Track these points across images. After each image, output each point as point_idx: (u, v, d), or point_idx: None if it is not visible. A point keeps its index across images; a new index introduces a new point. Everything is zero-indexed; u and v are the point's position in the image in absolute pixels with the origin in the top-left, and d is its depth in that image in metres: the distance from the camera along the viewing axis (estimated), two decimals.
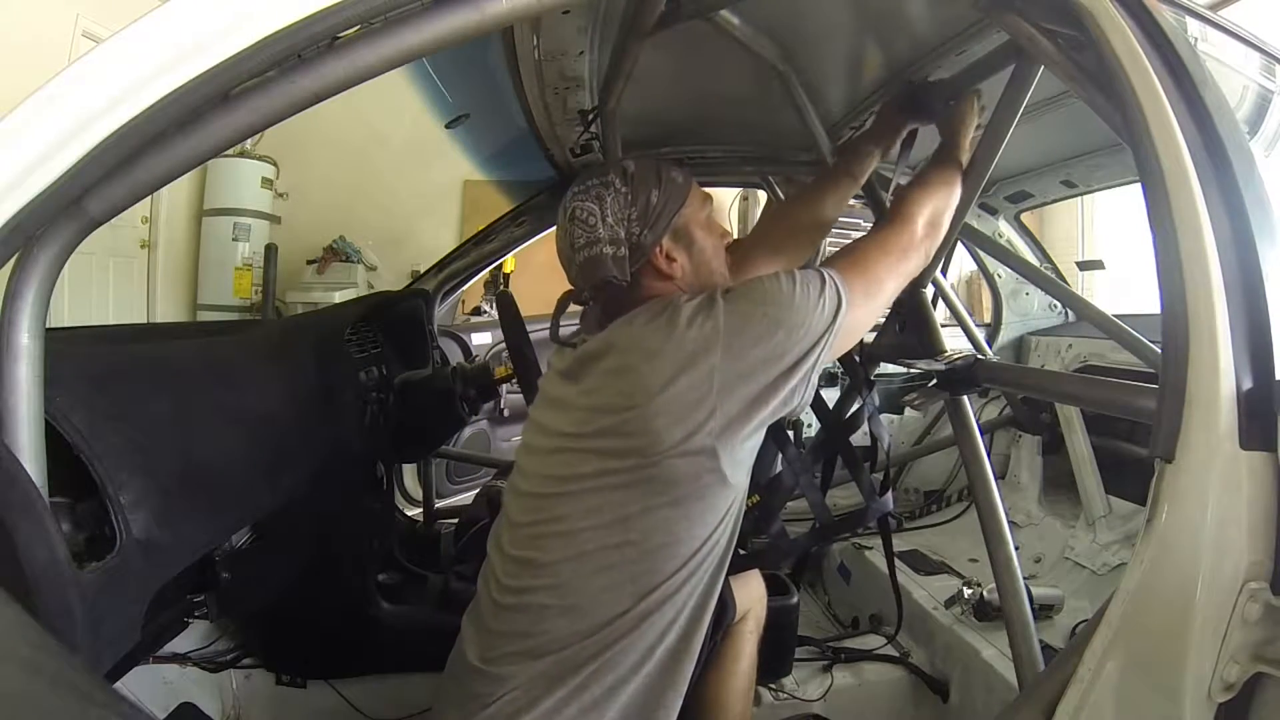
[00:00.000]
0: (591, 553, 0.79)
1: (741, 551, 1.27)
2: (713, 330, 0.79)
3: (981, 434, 1.16)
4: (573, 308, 0.99)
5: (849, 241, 1.09)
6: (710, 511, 0.81)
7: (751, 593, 1.20)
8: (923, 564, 1.93)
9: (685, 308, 0.82)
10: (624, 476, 0.79)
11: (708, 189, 1.01)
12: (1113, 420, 1.81)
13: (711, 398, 0.77)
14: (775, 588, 1.42)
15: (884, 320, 1.40)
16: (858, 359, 1.45)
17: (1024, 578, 1.00)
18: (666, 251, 0.90)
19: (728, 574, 1.17)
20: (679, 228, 0.91)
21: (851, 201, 2.35)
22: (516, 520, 0.87)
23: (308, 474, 1.13)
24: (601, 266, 0.87)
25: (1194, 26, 1.13)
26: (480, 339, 2.36)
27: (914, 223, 0.96)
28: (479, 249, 2.01)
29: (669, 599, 0.80)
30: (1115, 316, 1.61)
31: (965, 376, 1.17)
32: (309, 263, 4.40)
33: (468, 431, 2.25)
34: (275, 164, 4.30)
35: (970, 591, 1.58)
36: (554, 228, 0.96)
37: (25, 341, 0.57)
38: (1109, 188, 1.90)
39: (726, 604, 1.14)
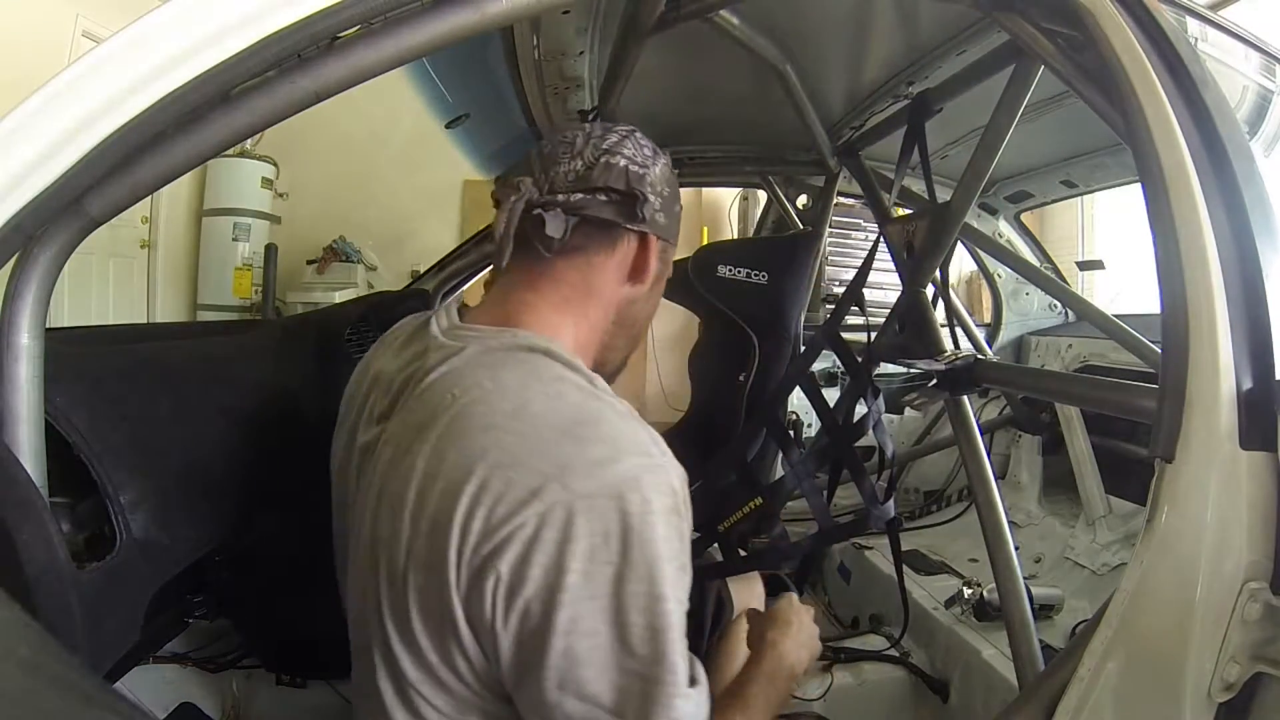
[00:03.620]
0: None
1: (742, 552, 1.28)
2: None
3: (981, 434, 1.16)
4: None
5: None
6: None
7: (752, 593, 1.20)
8: (923, 564, 1.92)
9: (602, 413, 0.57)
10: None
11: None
12: (1113, 420, 1.81)
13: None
14: (775, 588, 1.42)
15: (884, 320, 1.40)
16: (859, 361, 1.45)
17: (1024, 578, 1.00)
18: (634, 264, 0.69)
19: (727, 574, 1.18)
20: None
21: (850, 201, 2.34)
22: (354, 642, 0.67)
23: (308, 474, 1.13)
24: (616, 174, 0.64)
25: (1194, 26, 1.13)
26: None
27: None
28: (479, 249, 2.01)
29: None
30: (1115, 316, 1.61)
31: (965, 376, 1.17)
32: (309, 263, 4.39)
33: None
34: (275, 164, 4.29)
35: (970, 591, 1.58)
36: None
37: (25, 341, 0.57)
38: (1109, 188, 1.91)
39: (725, 604, 1.15)
